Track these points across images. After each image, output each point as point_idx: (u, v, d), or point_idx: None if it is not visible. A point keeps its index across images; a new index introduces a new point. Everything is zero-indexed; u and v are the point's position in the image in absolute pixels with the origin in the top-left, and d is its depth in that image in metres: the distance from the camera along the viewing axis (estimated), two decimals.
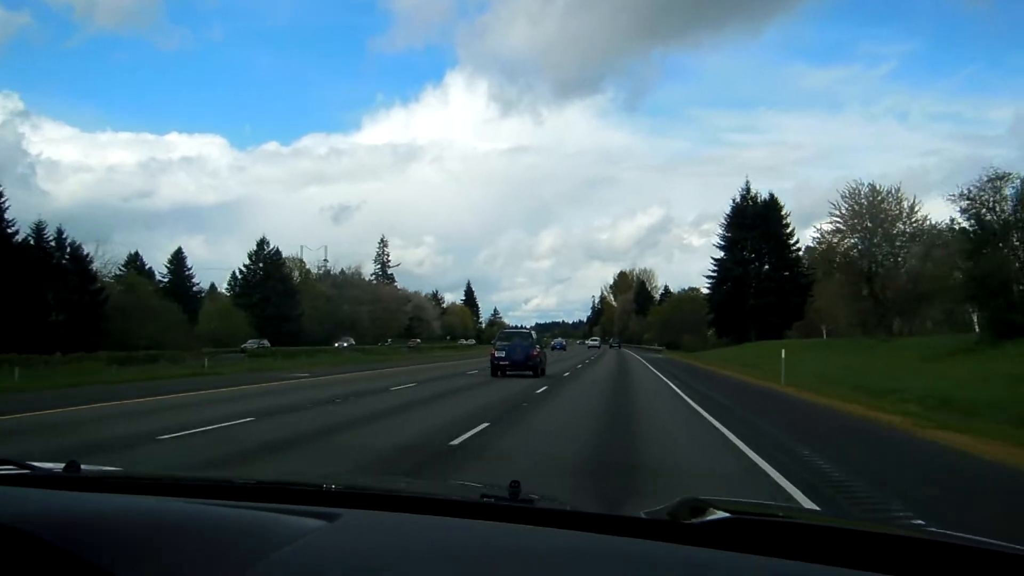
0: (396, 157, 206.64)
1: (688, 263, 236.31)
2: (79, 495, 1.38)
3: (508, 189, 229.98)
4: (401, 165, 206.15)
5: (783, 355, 25.37)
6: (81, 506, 1.26)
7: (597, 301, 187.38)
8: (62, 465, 1.70)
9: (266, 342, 71.21)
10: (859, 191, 43.79)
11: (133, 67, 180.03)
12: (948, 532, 1.35)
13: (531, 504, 1.45)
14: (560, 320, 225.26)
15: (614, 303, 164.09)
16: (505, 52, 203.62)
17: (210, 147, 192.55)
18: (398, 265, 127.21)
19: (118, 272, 79.31)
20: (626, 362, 48.80)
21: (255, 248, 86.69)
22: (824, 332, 56.09)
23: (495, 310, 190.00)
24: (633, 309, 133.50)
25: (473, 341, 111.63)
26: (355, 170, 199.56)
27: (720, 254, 73.08)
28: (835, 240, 43.47)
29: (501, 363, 27.51)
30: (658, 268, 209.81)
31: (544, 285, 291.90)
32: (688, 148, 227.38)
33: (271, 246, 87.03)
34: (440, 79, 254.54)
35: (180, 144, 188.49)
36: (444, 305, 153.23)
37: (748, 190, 72.73)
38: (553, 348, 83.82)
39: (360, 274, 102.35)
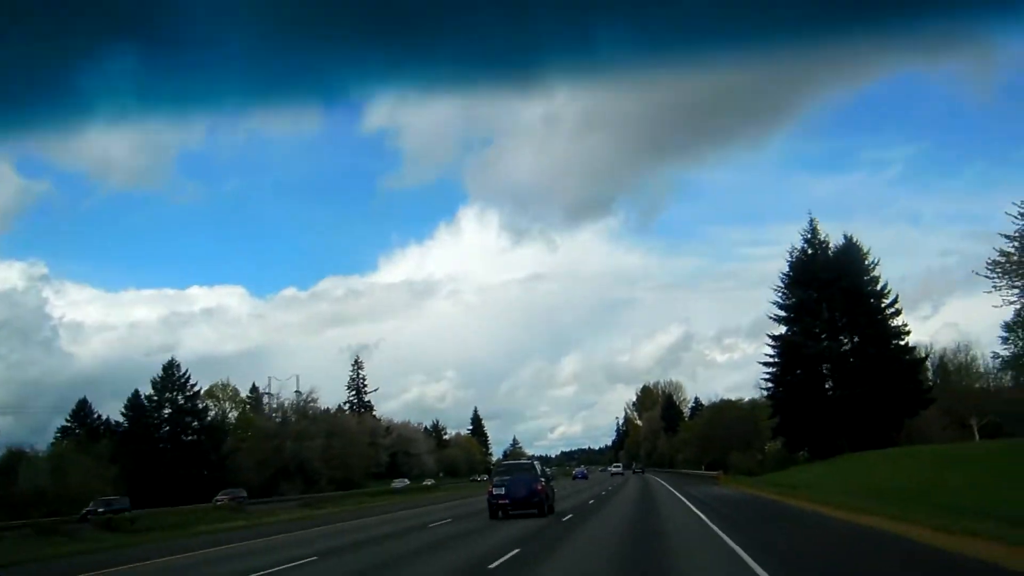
0: (413, 294, 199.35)
1: (712, 381, 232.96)
2: None
3: (527, 318, 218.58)
4: (418, 301, 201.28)
5: None
6: None
7: (621, 423, 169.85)
8: None
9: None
10: None
11: (150, 225, 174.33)
12: None
13: None
14: (587, 447, 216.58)
15: (639, 422, 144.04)
16: (513, 182, 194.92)
17: (230, 297, 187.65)
18: (375, 390, 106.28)
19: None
20: (655, 508, 27.23)
21: (160, 374, 66.17)
22: (976, 428, 34.33)
23: (514, 439, 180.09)
24: (661, 427, 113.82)
25: (430, 481, 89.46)
26: (373, 309, 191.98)
27: (780, 329, 49.19)
28: None
29: (500, 502, 23.75)
30: (683, 385, 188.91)
31: (569, 412, 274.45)
32: (703, 265, 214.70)
33: (182, 370, 66.53)
34: (452, 214, 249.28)
35: (201, 296, 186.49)
36: (446, 436, 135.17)
37: (814, 233, 48.94)
38: (575, 477, 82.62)
39: (314, 403, 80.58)
